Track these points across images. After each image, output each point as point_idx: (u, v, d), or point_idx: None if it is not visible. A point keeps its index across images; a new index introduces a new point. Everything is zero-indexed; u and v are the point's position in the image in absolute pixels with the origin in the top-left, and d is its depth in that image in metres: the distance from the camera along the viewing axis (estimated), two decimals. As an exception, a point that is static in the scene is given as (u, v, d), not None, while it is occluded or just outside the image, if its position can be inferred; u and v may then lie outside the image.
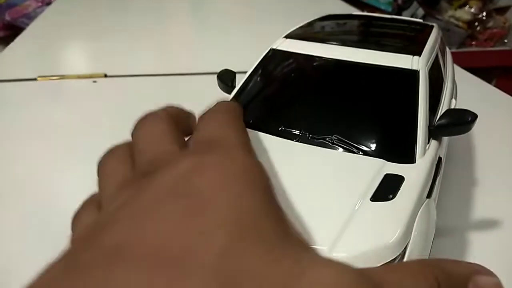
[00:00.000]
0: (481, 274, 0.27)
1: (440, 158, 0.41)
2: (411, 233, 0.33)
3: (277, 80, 0.51)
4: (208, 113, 0.27)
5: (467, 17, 1.94)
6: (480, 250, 0.49)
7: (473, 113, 0.42)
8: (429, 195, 0.37)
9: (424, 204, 0.36)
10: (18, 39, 1.09)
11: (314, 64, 0.49)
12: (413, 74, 0.43)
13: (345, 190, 0.36)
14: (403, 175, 0.37)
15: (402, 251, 0.32)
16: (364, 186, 0.36)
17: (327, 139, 0.42)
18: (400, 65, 0.44)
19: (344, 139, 0.42)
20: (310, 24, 0.59)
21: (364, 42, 0.53)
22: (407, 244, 0.33)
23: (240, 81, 0.50)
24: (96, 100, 0.84)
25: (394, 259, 0.32)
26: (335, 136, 0.42)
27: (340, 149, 0.41)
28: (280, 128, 0.44)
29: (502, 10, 2.02)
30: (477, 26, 1.97)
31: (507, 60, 2.01)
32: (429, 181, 0.38)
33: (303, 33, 0.54)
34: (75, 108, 0.80)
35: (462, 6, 1.97)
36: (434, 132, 0.42)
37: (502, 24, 1.99)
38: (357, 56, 0.47)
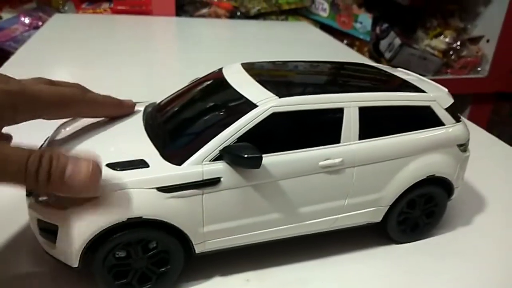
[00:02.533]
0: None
1: (219, 179, 0.46)
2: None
3: (185, 92, 0.59)
4: None
5: (442, 46, 2.03)
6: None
7: (254, 152, 0.44)
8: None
9: (139, 190, 0.44)
10: (5, 66, 1.11)
11: (214, 83, 0.57)
12: (252, 106, 0.48)
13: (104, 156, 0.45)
14: (149, 164, 0.46)
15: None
16: (118, 159, 0.46)
17: (155, 131, 0.51)
18: (252, 98, 0.49)
19: (158, 132, 0.51)
20: (278, 61, 0.64)
21: (269, 79, 0.57)
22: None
23: None
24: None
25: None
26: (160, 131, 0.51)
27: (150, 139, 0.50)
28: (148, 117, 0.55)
29: (475, 40, 2.12)
30: (452, 55, 2.06)
31: (480, 87, 2.09)
32: (173, 182, 0.45)
33: (254, 64, 0.60)
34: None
35: (437, 35, 2.06)
36: (223, 155, 0.46)
37: (475, 53, 2.08)
38: (241, 83, 0.53)
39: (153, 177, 0.45)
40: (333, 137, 0.50)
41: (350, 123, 0.51)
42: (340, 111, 0.51)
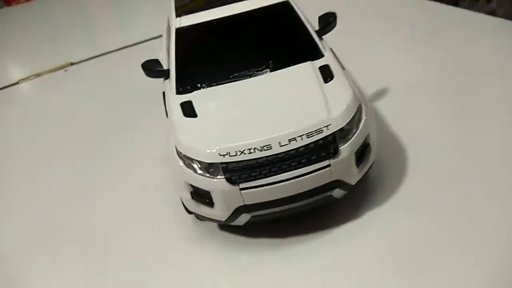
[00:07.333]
0: None
1: (331, 48, 0.77)
2: (354, 86, 0.70)
3: (199, 48, 0.75)
4: None
5: None
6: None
7: (333, 13, 0.75)
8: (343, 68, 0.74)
9: (346, 71, 0.73)
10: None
11: (216, 26, 0.74)
12: (286, 3, 0.74)
13: (307, 86, 0.68)
14: (327, 63, 0.72)
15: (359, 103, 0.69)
16: (315, 79, 0.69)
17: (267, 66, 0.71)
18: (273, 1, 0.74)
19: (278, 62, 0.71)
20: None
21: None
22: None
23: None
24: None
25: (359, 105, 0.68)
26: (272, 64, 0.71)
27: (277, 70, 0.71)
28: (230, 76, 0.71)
29: None
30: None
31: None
32: (338, 62, 0.74)
33: (188, 7, 0.78)
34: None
35: None
36: (320, 34, 0.74)
37: None
38: (239, 8, 0.75)
39: (338, 65, 0.78)
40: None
41: None
42: None
